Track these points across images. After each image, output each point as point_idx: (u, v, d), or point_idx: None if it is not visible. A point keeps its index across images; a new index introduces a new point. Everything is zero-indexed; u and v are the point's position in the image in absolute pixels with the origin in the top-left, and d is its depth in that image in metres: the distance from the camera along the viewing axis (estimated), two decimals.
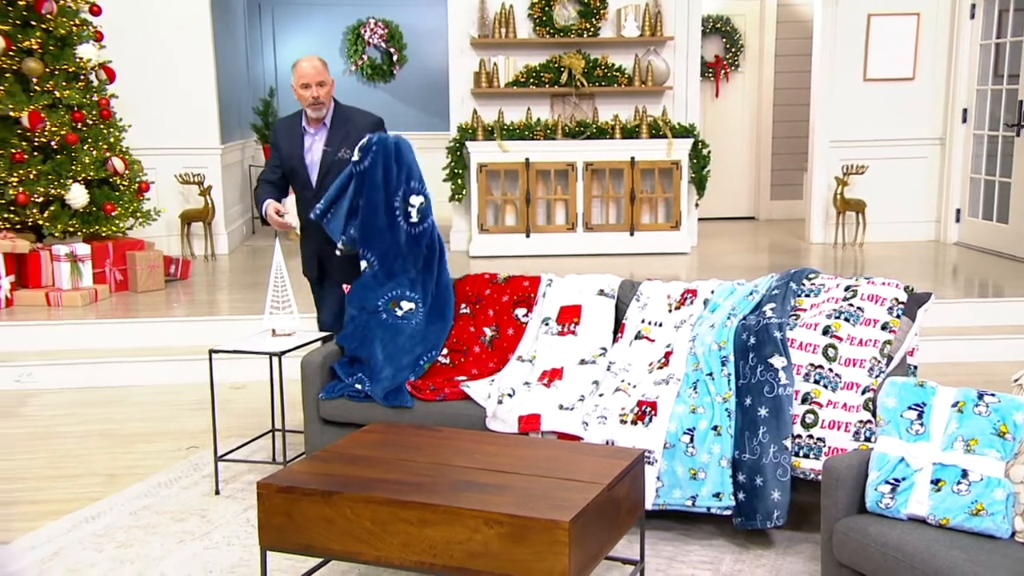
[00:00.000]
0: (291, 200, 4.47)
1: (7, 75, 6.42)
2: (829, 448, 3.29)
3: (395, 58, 11.66)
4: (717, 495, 3.31)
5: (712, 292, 3.97)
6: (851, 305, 3.54)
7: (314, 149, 4.31)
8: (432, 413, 3.72)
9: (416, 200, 4.14)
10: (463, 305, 4.27)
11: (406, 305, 4.11)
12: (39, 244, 6.63)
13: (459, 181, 8.40)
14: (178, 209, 8.22)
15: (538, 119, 8.37)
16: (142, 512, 3.74)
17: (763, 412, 3.35)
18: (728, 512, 3.33)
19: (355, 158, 4.08)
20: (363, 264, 4.12)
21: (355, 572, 3.18)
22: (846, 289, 3.63)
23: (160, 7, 8.03)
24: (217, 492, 3.93)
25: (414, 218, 4.14)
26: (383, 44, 11.63)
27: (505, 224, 8.43)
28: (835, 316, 3.52)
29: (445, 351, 4.10)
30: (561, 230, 8.38)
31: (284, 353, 3.94)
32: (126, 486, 4.01)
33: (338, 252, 4.16)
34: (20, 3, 6.35)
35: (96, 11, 6.82)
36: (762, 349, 3.46)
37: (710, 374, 3.56)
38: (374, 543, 2.69)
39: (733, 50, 10.45)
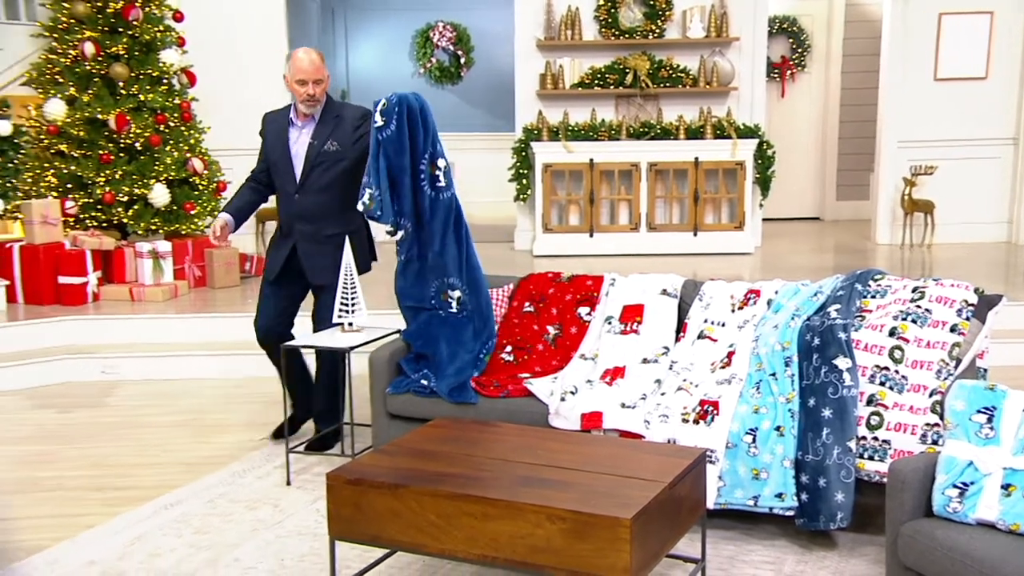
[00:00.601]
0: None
1: (96, 80, 6.61)
2: (895, 451, 3.21)
3: (462, 60, 11.72)
4: (780, 495, 3.26)
5: (776, 292, 3.90)
6: (918, 307, 3.45)
7: (300, 142, 4.19)
8: (495, 409, 3.73)
9: (442, 163, 3.94)
10: (527, 303, 4.27)
11: (455, 294, 4.04)
12: (124, 241, 6.82)
13: (524, 181, 8.40)
14: None
15: (602, 120, 8.33)
16: (218, 500, 3.81)
17: (827, 413, 3.28)
18: (791, 513, 3.27)
19: (378, 123, 3.84)
20: (399, 233, 3.96)
21: (420, 563, 3.20)
22: (913, 291, 3.54)
23: (238, 13, 8.18)
24: (288, 483, 4.00)
25: (441, 182, 3.92)
26: (451, 47, 11.69)
27: (569, 224, 8.41)
28: (902, 318, 3.43)
29: (509, 348, 4.10)
30: (624, 230, 8.33)
31: (353, 349, 3.98)
32: (204, 474, 4.10)
33: (387, 235, 4.04)
34: (109, 11, 6.53)
35: (179, 18, 6.99)
36: (826, 350, 3.39)
37: (773, 374, 3.50)
38: (438, 536, 2.70)
39: (800, 50, 10.27)
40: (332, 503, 2.83)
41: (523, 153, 8.36)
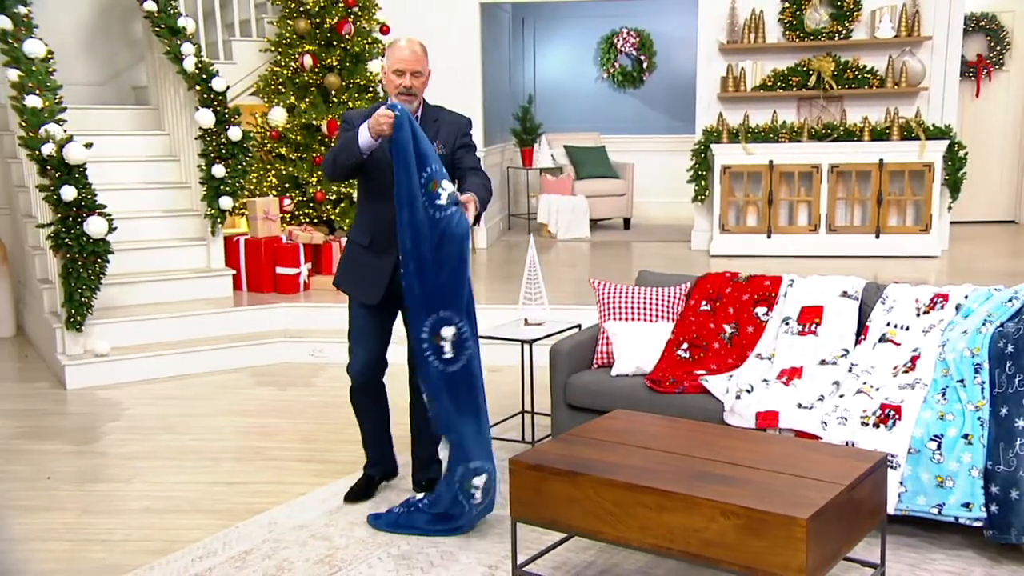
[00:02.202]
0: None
1: (312, 89, 7.00)
2: None
3: (645, 65, 11.60)
4: (967, 505, 3.03)
5: (966, 297, 3.63)
6: None
7: None
8: (672, 404, 3.67)
9: (448, 185, 3.31)
10: (703, 302, 4.17)
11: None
12: (331, 236, 7.17)
13: (703, 182, 8.23)
14: None
15: (783, 122, 8.03)
16: (408, 479, 3.91)
17: (1021, 423, 3.03)
18: (979, 524, 3.04)
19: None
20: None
21: (595, 548, 3.20)
22: None
23: (437, 24, 8.43)
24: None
25: (442, 200, 3.27)
26: (634, 52, 11.60)
27: (746, 224, 8.17)
28: None
29: (685, 345, 4.03)
30: (803, 231, 8.00)
31: (535, 341, 4.03)
32: (399, 452, 4.25)
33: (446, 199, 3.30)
34: (325, 26, 6.90)
35: (385, 31, 7.28)
36: (1021, 358, 3.12)
37: (961, 381, 3.26)
38: (614, 523, 2.69)
39: (998, 48, 9.51)
40: (514, 487, 2.88)
41: (703, 155, 8.18)
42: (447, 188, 3.29)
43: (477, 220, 3.42)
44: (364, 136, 3.32)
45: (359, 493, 3.70)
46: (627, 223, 10.32)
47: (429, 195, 3.26)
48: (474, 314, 3.41)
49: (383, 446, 3.83)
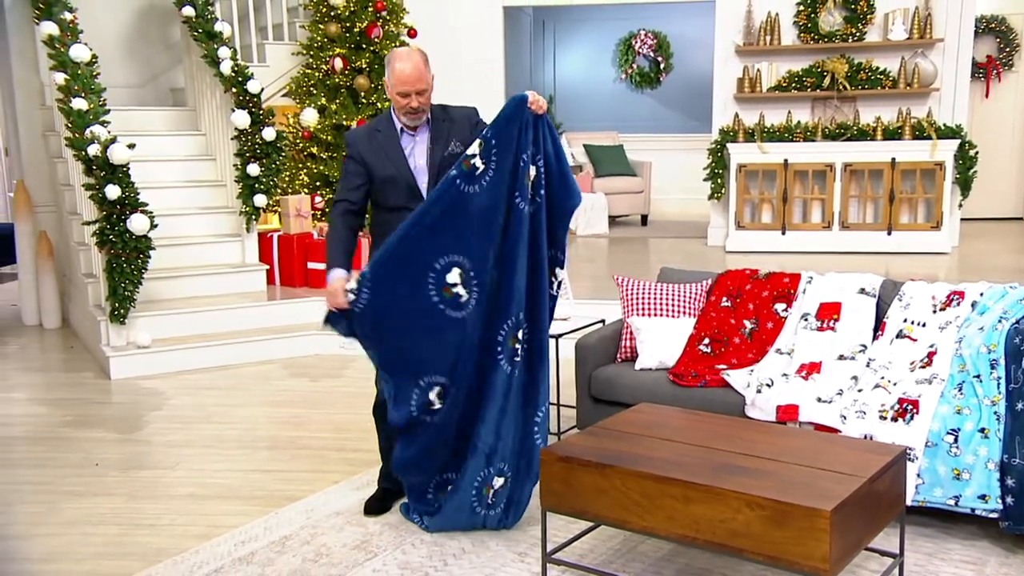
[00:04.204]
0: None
1: (342, 90, 7.01)
2: None
3: (662, 66, 11.56)
4: (983, 497, 3.01)
5: (981, 295, 3.60)
6: None
7: (417, 152, 3.33)
8: (693, 398, 3.66)
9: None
10: (724, 298, 4.15)
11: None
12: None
13: (719, 180, 8.20)
14: None
15: (798, 122, 7.98)
16: None
17: None
18: (994, 515, 3.02)
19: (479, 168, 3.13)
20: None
21: (621, 536, 3.21)
22: None
23: (462, 27, 8.44)
24: None
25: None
26: (651, 53, 11.56)
27: (761, 221, 8.13)
28: None
29: (707, 340, 4.01)
30: (817, 228, 7.96)
31: (562, 336, 4.03)
32: None
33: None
34: (355, 30, 6.91)
35: (412, 34, 7.29)
36: None
37: (977, 376, 3.23)
38: (642, 514, 2.69)
39: (1007, 49, 9.41)
40: (545, 477, 2.88)
41: (719, 154, 8.15)
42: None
43: None
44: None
45: (376, 505, 3.52)
46: (644, 219, 10.30)
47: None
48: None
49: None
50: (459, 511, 3.29)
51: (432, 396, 3.23)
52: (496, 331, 3.22)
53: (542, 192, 3.20)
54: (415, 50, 3.31)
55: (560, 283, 3.36)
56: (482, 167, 3.14)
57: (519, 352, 3.25)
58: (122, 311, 5.47)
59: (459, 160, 3.16)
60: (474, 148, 3.15)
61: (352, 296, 3.17)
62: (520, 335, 3.24)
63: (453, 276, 3.18)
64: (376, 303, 3.18)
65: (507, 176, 3.16)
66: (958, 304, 3.61)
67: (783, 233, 7.98)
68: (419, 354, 3.21)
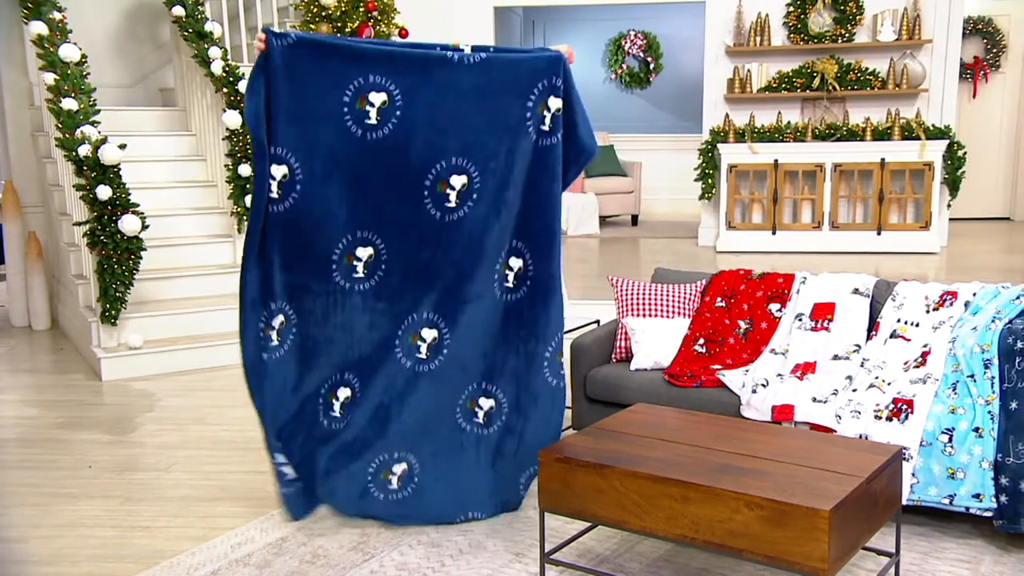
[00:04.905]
0: None
1: None
2: None
3: (651, 66, 11.59)
4: (977, 496, 3.04)
5: (974, 295, 3.63)
6: None
7: None
8: (689, 398, 3.68)
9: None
10: (719, 298, 4.17)
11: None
12: None
13: (709, 181, 8.23)
14: None
15: (788, 122, 8.02)
16: None
17: None
18: (989, 514, 3.04)
19: None
20: None
21: (618, 537, 3.21)
22: None
23: (453, 27, 8.45)
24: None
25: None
26: (641, 54, 11.59)
27: (752, 221, 8.16)
28: None
29: (701, 340, 4.03)
30: (807, 228, 8.00)
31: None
32: None
33: None
34: (347, 31, 6.90)
35: (404, 34, 7.27)
36: None
37: (971, 376, 3.26)
38: (640, 514, 2.70)
39: (994, 51, 9.48)
40: (543, 478, 2.89)
41: (709, 154, 8.18)
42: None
43: None
44: None
45: None
46: (635, 220, 10.32)
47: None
48: None
49: None
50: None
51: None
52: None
53: (560, 133, 3.23)
54: None
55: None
56: (469, 53, 3.21)
57: (509, 280, 3.26)
58: (113, 312, 5.44)
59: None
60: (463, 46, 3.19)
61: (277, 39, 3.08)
62: (515, 264, 3.26)
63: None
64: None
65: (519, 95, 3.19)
66: (951, 304, 3.64)
67: (773, 233, 8.02)
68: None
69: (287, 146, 3.14)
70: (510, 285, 3.29)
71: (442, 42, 3.28)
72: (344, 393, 3.32)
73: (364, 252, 3.24)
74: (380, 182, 3.21)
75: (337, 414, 3.32)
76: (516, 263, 3.28)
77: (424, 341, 3.30)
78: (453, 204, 3.23)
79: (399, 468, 3.32)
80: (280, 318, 3.24)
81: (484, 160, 3.22)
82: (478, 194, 3.23)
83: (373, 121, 3.15)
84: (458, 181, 3.22)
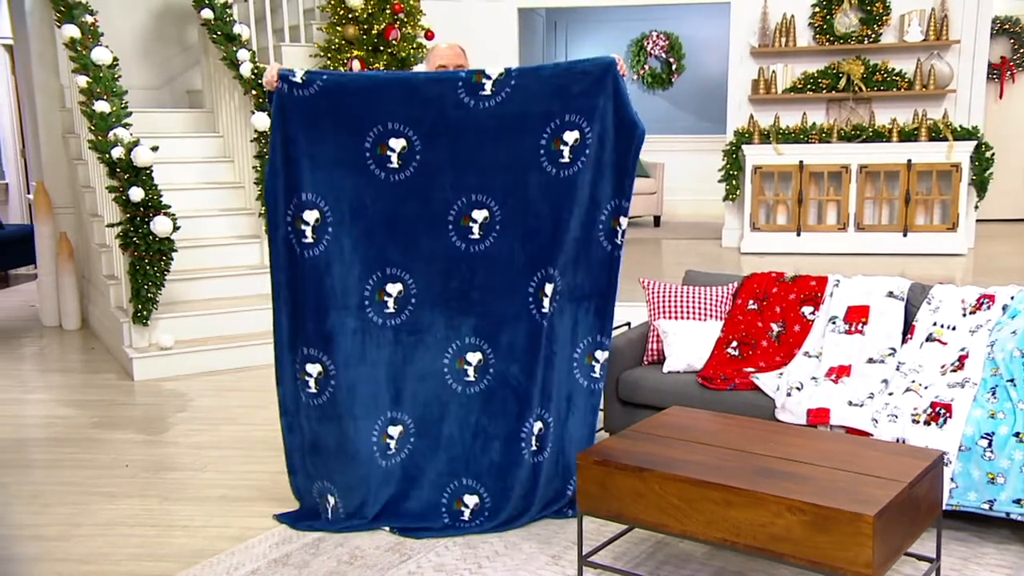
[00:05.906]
0: None
1: None
2: None
3: (674, 67, 11.56)
4: (1018, 501, 3.01)
5: (1012, 298, 3.60)
6: None
7: None
8: (723, 401, 3.67)
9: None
10: (751, 301, 4.16)
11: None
12: None
13: (734, 182, 8.20)
14: None
15: (813, 123, 7.98)
16: None
17: None
18: None
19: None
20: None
21: (655, 539, 3.21)
22: None
23: (478, 28, 8.45)
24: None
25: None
26: (663, 55, 11.56)
27: (776, 223, 8.13)
28: None
29: (735, 343, 4.01)
30: (832, 230, 7.96)
31: None
32: None
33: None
34: (373, 32, 6.92)
35: (430, 36, 7.29)
36: None
37: (1011, 380, 3.23)
38: (680, 518, 2.70)
39: (1021, 51, 9.40)
40: (582, 480, 2.89)
41: (734, 155, 8.15)
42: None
43: None
44: None
45: None
46: (657, 220, 10.30)
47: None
48: None
49: None
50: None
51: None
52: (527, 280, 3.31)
53: (584, 158, 3.26)
54: (455, 42, 3.60)
55: (623, 232, 3.45)
56: (489, 93, 3.22)
57: (545, 305, 3.31)
58: (145, 313, 5.48)
59: (471, 70, 3.26)
60: (493, 72, 3.22)
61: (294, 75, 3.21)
62: (548, 289, 3.30)
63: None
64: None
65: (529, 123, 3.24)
66: (988, 307, 3.61)
67: (798, 234, 7.98)
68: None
69: (317, 191, 3.24)
70: (547, 310, 3.33)
71: (469, 69, 3.34)
72: (396, 430, 3.38)
73: (394, 288, 3.32)
74: (405, 220, 3.31)
75: (392, 450, 3.38)
76: (549, 288, 3.33)
77: (470, 364, 3.36)
78: (477, 236, 3.32)
79: (471, 500, 3.36)
80: (317, 367, 3.31)
81: (503, 195, 3.31)
82: (501, 225, 3.32)
83: (395, 165, 3.27)
84: (479, 215, 3.31)
